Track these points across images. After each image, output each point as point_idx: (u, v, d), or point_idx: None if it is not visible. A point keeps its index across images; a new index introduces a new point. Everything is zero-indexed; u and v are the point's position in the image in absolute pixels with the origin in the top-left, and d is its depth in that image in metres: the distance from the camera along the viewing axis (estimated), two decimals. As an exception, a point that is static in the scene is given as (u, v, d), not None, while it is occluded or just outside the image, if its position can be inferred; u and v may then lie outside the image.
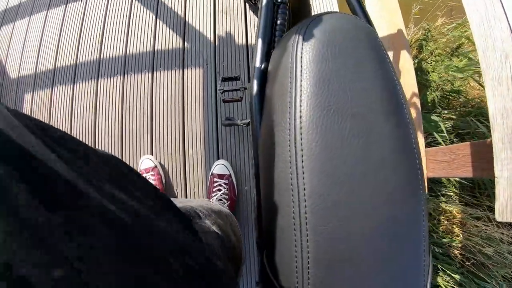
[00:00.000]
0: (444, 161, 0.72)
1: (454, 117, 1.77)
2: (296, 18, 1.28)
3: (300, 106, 0.36)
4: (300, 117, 0.36)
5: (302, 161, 0.34)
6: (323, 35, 0.40)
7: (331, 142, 0.34)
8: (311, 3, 1.29)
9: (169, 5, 1.62)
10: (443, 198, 1.66)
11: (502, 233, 1.51)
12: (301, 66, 0.38)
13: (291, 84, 0.38)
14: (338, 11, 0.46)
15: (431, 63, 1.81)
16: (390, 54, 0.96)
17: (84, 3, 1.72)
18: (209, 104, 1.41)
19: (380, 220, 0.33)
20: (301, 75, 0.38)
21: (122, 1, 1.68)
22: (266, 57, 0.55)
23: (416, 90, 0.90)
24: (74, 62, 1.60)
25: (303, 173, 0.34)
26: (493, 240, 1.52)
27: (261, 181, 0.44)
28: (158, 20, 1.59)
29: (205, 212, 0.56)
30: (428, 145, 1.65)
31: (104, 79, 1.53)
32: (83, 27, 1.66)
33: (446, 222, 1.64)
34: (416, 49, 1.84)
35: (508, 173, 0.48)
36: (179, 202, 0.51)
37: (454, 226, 1.64)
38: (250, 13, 1.53)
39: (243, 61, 1.45)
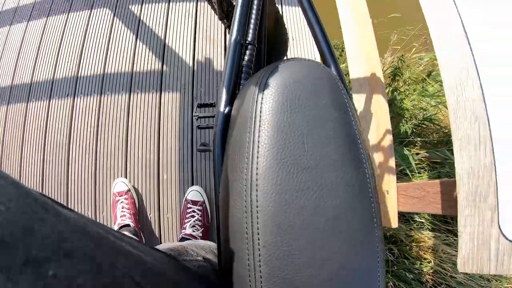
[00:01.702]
0: (414, 197, 0.75)
1: (428, 145, 1.83)
2: (271, 45, 1.30)
3: (257, 157, 0.37)
4: (257, 168, 0.36)
5: (257, 212, 0.35)
6: (284, 85, 0.40)
7: (285, 195, 0.35)
8: (288, 34, 1.32)
9: (150, 26, 1.62)
10: (415, 225, 1.70)
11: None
12: (260, 117, 0.39)
13: (249, 135, 0.39)
14: (303, 58, 0.47)
15: (405, 91, 1.87)
16: (365, 91, 0.98)
17: (65, 19, 1.71)
18: (185, 129, 1.41)
19: (336, 268, 0.34)
20: (259, 126, 0.38)
21: (102, 19, 1.68)
22: (231, 101, 0.56)
23: (389, 126, 0.92)
24: (51, 77, 1.57)
25: (258, 223, 0.34)
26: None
27: (221, 225, 0.45)
28: (138, 41, 1.59)
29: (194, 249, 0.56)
30: (399, 173, 1.69)
31: (80, 97, 1.51)
32: (62, 43, 1.65)
33: (417, 248, 1.68)
34: (389, 77, 1.90)
35: (470, 229, 0.50)
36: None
37: (426, 252, 1.67)
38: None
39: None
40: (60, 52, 1.63)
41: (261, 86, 0.41)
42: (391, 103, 1.80)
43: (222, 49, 1.55)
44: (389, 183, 0.83)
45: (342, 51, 2.09)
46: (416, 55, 2.08)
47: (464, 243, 0.51)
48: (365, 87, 0.98)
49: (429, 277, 1.64)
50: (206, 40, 1.57)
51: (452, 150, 1.70)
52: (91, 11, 1.72)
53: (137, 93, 1.48)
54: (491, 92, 0.54)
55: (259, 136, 0.38)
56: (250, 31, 0.76)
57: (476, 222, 0.50)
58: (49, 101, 1.53)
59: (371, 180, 0.39)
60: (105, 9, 1.72)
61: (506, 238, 0.45)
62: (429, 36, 0.74)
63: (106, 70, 1.55)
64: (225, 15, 1.37)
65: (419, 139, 1.83)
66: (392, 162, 0.85)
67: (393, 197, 0.81)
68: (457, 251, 1.53)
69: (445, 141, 1.81)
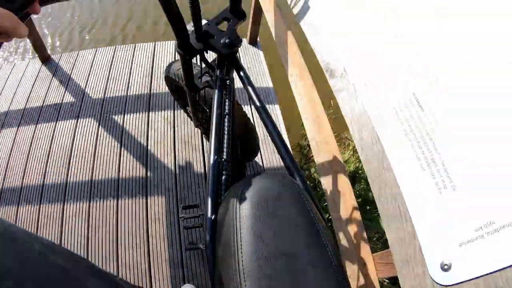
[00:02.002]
0: (390, 263, 0.82)
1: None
2: (244, 146, 1.48)
3: (241, 254, 0.51)
4: (243, 264, 0.50)
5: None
6: (254, 197, 0.56)
7: (269, 280, 0.48)
8: (257, 135, 1.51)
9: (133, 134, 1.79)
10: None
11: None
12: (240, 223, 0.54)
13: (233, 237, 0.53)
14: (269, 172, 0.66)
15: None
16: (329, 174, 1.12)
17: (53, 127, 1.86)
18: (173, 230, 1.53)
19: None
20: (240, 231, 0.53)
21: (88, 128, 1.84)
22: (215, 208, 0.71)
23: (355, 204, 1.00)
24: (41, 183, 1.67)
25: None
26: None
27: None
28: (122, 148, 1.75)
29: None
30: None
31: (70, 203, 1.60)
32: (51, 149, 1.77)
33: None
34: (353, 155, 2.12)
35: (409, 285, 0.57)
36: None
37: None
38: (207, 143, 1.75)
39: (202, 188, 1.62)
40: (49, 158, 1.75)
41: (237, 200, 0.57)
42: (357, 175, 2.00)
43: (201, 153, 1.72)
44: (365, 256, 0.91)
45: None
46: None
47: None
48: (329, 171, 1.12)
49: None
50: (185, 145, 1.75)
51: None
52: (77, 121, 1.89)
53: (125, 198, 1.60)
54: (399, 172, 0.63)
55: (241, 238, 0.53)
56: (224, 149, 0.95)
57: (412, 278, 0.57)
58: (39, 206, 1.61)
59: (332, 255, 0.53)
60: (90, 118, 1.89)
61: (439, 284, 0.50)
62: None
63: (93, 176, 1.68)
64: (200, 123, 1.57)
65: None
66: (364, 235, 0.94)
67: (371, 267, 0.89)
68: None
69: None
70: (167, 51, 2.27)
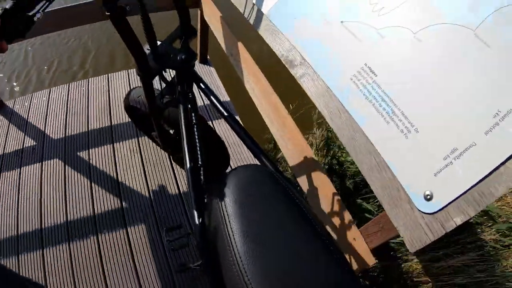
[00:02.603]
0: (377, 231, 0.87)
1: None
2: (216, 160, 1.53)
3: (235, 242, 0.53)
4: (238, 250, 0.52)
5: (248, 278, 0.50)
6: (234, 186, 0.60)
7: (265, 259, 0.51)
8: (225, 146, 1.57)
9: (101, 168, 1.79)
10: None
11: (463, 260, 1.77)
12: (228, 216, 0.57)
13: (224, 229, 0.56)
14: (246, 165, 0.71)
15: (342, 154, 2.19)
16: (304, 172, 1.17)
17: (18, 174, 1.82)
18: (160, 255, 1.53)
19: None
20: (229, 222, 0.56)
21: (55, 170, 1.82)
22: (201, 212, 0.75)
23: (334, 190, 1.04)
24: (15, 234, 1.64)
25: (249, 279, 0.50)
26: (460, 269, 1.77)
27: None
28: (93, 184, 1.74)
29: None
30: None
31: (49, 248, 1.56)
32: (19, 197, 1.73)
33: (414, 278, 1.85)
34: (324, 148, 2.22)
35: (402, 221, 0.65)
36: None
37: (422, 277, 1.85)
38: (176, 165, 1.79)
39: (180, 207, 1.64)
40: (19, 206, 1.71)
41: (220, 193, 0.60)
42: (334, 167, 2.10)
43: (172, 174, 1.75)
44: (352, 232, 0.98)
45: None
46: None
47: (405, 234, 0.65)
48: (303, 168, 1.17)
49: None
50: (155, 169, 1.77)
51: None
52: (42, 164, 1.86)
53: (104, 233, 1.60)
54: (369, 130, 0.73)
55: (232, 229, 0.55)
56: (198, 156, 1.01)
57: (403, 216, 0.65)
58: (17, 257, 1.57)
59: (320, 228, 0.55)
60: (55, 159, 1.86)
61: (427, 213, 0.59)
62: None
63: (69, 217, 1.66)
64: (167, 145, 1.61)
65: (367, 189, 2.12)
66: (347, 216, 0.98)
67: (360, 241, 0.95)
68: (446, 261, 1.72)
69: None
70: (121, 81, 2.29)
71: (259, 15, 1.17)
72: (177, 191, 1.70)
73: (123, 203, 1.68)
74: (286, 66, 0.99)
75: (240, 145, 1.91)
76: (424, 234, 0.60)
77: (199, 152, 0.98)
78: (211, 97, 1.06)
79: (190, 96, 1.08)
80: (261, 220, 0.56)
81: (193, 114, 1.05)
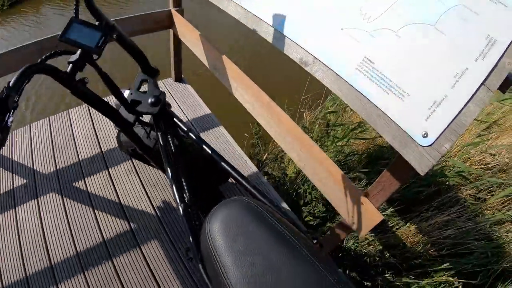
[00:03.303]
0: (380, 191, 1.09)
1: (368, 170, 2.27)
2: (214, 176, 1.61)
3: (226, 273, 0.63)
4: (229, 278, 0.63)
5: None
6: (220, 225, 0.69)
7: (253, 280, 0.61)
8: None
9: (101, 195, 1.82)
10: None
11: (449, 215, 1.96)
12: (216, 250, 0.67)
13: (215, 261, 0.66)
14: (235, 198, 0.81)
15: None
16: (305, 156, 1.34)
17: (14, 215, 1.79)
18: (179, 268, 1.58)
19: None
20: (219, 255, 0.66)
21: (53, 204, 1.81)
22: (198, 245, 0.85)
23: (341, 172, 1.22)
24: (23, 276, 1.60)
25: None
26: (449, 222, 1.96)
27: None
28: (96, 211, 1.77)
29: None
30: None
31: (63, 283, 1.58)
32: (21, 240, 1.69)
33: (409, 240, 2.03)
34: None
35: (413, 155, 0.89)
36: None
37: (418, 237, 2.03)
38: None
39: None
40: (22, 248, 1.67)
41: (209, 232, 0.69)
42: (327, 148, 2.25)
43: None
44: (358, 197, 1.15)
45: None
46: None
47: (415, 164, 0.89)
48: (306, 156, 1.32)
49: (431, 251, 1.97)
50: (155, 187, 1.82)
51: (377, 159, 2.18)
52: (38, 200, 1.84)
53: (118, 256, 1.63)
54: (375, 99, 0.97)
55: (221, 261, 0.65)
56: (186, 196, 1.07)
57: (411, 152, 0.89)
58: None
59: (306, 250, 0.65)
60: (51, 193, 1.86)
61: (427, 146, 0.85)
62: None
63: (78, 248, 1.66)
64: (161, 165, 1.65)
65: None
66: (353, 186, 1.17)
67: (366, 201, 1.13)
68: (432, 219, 1.91)
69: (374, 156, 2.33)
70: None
71: (273, 30, 1.31)
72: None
73: (131, 224, 1.71)
74: (302, 66, 1.18)
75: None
76: (427, 160, 0.86)
77: (186, 192, 1.05)
78: (187, 131, 1.14)
79: (169, 136, 1.14)
80: (245, 251, 0.65)
81: (174, 152, 1.11)
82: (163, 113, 1.12)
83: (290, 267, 0.63)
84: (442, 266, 1.83)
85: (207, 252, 0.69)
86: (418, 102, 0.85)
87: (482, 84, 0.75)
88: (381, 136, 1.25)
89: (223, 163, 1.11)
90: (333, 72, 1.06)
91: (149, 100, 1.06)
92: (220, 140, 2.18)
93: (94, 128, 2.16)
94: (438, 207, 2.09)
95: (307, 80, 2.48)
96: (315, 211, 2.07)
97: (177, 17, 1.97)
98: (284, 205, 1.86)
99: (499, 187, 2.24)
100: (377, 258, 1.94)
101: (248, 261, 0.64)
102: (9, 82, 0.62)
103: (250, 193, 1.09)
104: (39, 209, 1.82)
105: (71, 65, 0.81)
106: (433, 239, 1.95)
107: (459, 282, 1.78)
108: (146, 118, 1.19)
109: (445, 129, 0.81)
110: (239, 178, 1.08)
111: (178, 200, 1.00)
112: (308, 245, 0.67)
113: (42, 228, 1.75)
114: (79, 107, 2.31)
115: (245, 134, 2.70)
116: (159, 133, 1.13)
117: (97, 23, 0.85)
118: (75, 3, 0.79)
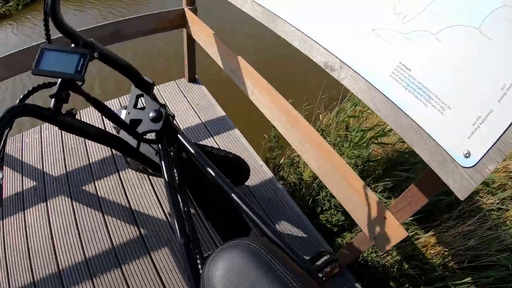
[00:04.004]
0: (406, 206, 1.01)
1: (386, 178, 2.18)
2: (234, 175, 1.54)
3: None
4: None
5: None
6: (222, 277, 0.63)
7: None
8: (243, 162, 1.59)
9: (111, 199, 1.77)
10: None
11: (470, 225, 1.88)
12: None
13: None
14: (239, 242, 0.74)
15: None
16: (323, 161, 1.27)
17: (23, 217, 1.76)
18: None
19: None
20: None
21: (63, 210, 1.78)
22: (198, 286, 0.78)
23: (364, 184, 1.16)
24: (31, 281, 1.58)
25: None
26: (470, 233, 1.87)
27: None
28: (106, 216, 1.72)
29: None
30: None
31: None
32: (29, 242, 1.68)
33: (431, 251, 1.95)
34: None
35: (452, 176, 0.78)
36: None
37: (438, 248, 1.95)
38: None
39: (202, 229, 1.67)
40: (30, 252, 1.66)
41: (208, 277, 0.63)
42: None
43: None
44: (383, 212, 1.07)
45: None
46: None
47: (454, 187, 0.79)
48: (327, 168, 1.25)
49: (452, 263, 1.89)
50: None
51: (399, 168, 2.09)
52: (47, 203, 1.81)
53: (128, 263, 1.59)
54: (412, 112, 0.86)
55: None
56: (187, 229, 0.94)
57: (450, 173, 0.79)
58: None
59: None
60: (61, 196, 1.82)
61: (468, 167, 0.74)
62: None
63: (87, 253, 1.62)
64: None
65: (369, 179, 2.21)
66: (376, 200, 1.10)
67: (390, 217, 1.05)
68: (454, 229, 1.83)
69: (394, 163, 2.24)
70: (113, 108, 2.25)
71: (294, 30, 1.21)
72: (194, 211, 1.70)
73: (142, 231, 1.67)
74: (327, 70, 1.08)
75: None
76: (468, 183, 0.75)
77: (187, 226, 0.91)
78: (193, 152, 0.99)
79: (172, 154, 1.01)
80: None
81: (176, 174, 0.97)
82: (167, 128, 1.00)
83: None
84: (464, 280, 1.74)
85: None
86: (461, 117, 0.75)
87: (532, 97, 0.66)
88: (403, 141, 1.17)
89: (233, 195, 0.92)
90: (364, 79, 0.96)
91: (150, 115, 0.95)
92: (235, 144, 2.11)
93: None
94: (459, 216, 2.00)
95: (323, 83, 2.41)
96: (333, 220, 1.99)
97: (190, 16, 1.91)
98: (306, 221, 1.77)
99: (524, 196, 2.14)
100: (395, 269, 1.85)
101: None
102: None
103: (261, 231, 0.95)
104: (48, 212, 1.78)
105: (53, 99, 0.72)
106: (453, 250, 1.86)
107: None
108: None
109: (489, 149, 0.70)
110: (250, 214, 0.91)
111: (178, 233, 0.87)
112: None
113: (51, 232, 1.72)
114: (89, 108, 2.27)
115: (264, 136, 2.62)
116: (160, 150, 1.01)
117: (72, 45, 0.75)
118: (44, 26, 0.70)
